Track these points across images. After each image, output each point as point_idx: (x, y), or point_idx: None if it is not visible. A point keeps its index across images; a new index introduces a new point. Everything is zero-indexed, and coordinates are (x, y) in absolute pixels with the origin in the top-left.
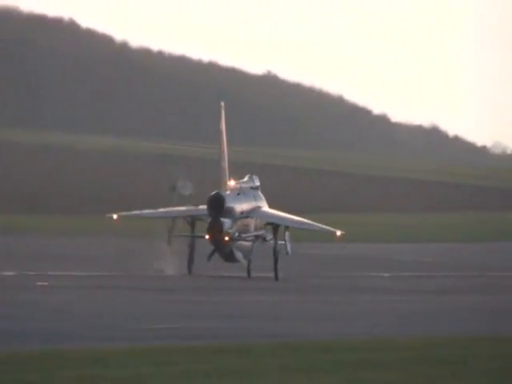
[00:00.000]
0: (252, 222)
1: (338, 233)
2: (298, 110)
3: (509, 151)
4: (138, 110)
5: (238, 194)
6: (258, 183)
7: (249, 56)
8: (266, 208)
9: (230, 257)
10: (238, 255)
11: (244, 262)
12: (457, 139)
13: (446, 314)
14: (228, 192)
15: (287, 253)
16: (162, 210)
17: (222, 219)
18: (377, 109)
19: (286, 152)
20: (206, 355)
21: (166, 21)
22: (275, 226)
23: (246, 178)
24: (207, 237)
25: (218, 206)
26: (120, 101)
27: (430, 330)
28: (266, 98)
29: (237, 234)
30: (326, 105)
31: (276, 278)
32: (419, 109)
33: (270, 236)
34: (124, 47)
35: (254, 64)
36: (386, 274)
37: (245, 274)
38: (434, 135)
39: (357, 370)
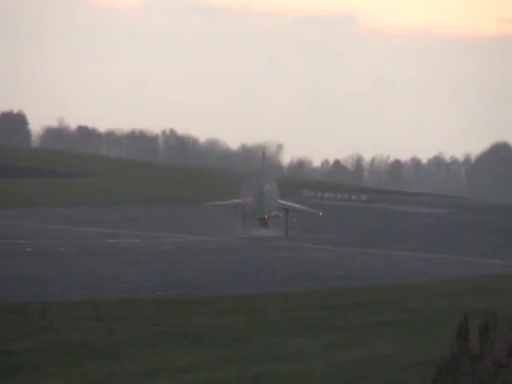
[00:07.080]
0: (275, 207)
1: (320, 213)
2: None
3: None
4: None
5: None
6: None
7: None
8: (279, 200)
9: (266, 225)
10: (270, 225)
11: (272, 228)
12: None
13: None
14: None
15: (293, 222)
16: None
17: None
18: None
19: None
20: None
21: None
22: (286, 210)
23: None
24: (266, 216)
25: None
26: None
27: None
28: None
29: (270, 214)
30: None
31: (286, 235)
32: None
33: (281, 214)
34: None
35: None
36: None
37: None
38: None
39: None
